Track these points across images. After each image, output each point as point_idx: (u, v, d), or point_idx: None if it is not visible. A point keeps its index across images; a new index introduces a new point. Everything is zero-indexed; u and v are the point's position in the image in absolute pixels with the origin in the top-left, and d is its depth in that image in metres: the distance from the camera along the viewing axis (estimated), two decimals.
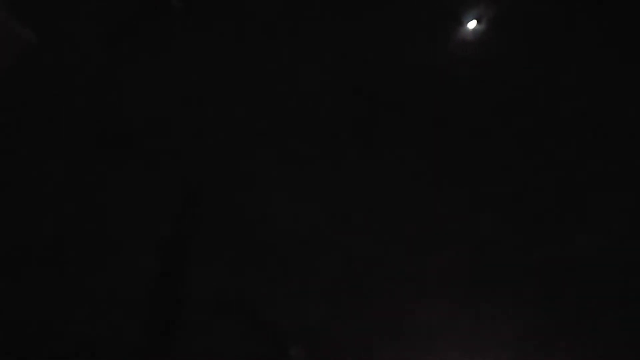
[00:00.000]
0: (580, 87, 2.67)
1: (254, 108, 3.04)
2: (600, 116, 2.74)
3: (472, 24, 2.53)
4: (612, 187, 3.01)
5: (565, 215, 3.22)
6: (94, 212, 3.40)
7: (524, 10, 2.45)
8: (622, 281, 3.46)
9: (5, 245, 3.62)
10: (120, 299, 4.52)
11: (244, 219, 3.87)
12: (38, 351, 5.01)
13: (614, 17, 2.47)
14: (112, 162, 3.05)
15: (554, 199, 3.19)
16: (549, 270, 3.45)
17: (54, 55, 2.47)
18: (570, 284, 3.51)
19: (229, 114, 3.02)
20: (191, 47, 2.69)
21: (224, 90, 2.96)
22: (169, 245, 3.63)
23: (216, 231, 3.93)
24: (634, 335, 3.62)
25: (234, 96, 2.99)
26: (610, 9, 2.43)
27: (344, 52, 2.67)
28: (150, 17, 2.45)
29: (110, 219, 3.47)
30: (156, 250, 3.77)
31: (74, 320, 4.14)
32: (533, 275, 3.59)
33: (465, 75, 2.71)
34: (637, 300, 3.47)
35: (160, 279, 3.64)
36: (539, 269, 3.50)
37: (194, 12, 2.55)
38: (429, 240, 3.49)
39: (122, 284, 4.35)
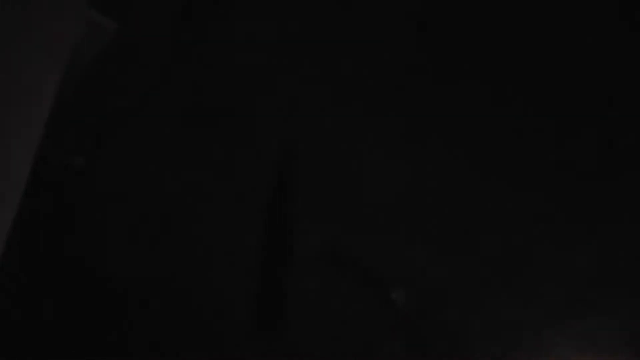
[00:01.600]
0: None
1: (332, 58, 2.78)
2: None
3: None
4: None
5: None
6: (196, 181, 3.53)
7: None
8: None
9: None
10: (231, 268, 4.68)
11: (340, 176, 3.75)
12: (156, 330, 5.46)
13: None
14: (207, 127, 3.08)
15: None
16: None
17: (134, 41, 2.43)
18: None
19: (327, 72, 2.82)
20: None
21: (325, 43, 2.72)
22: (272, 208, 3.50)
23: (315, 190, 3.84)
24: None
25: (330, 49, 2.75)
26: None
27: None
28: None
29: (210, 184, 3.57)
30: (260, 213, 3.72)
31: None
32: None
33: None
34: None
35: (266, 243, 3.55)
36: None
37: None
38: (528, 175, 3.21)
39: (229, 252, 4.49)
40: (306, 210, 4.36)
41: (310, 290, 5.33)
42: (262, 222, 4.21)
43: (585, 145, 2.96)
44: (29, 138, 1.32)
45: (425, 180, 3.90)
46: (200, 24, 2.26)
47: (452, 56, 2.36)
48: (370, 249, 4.95)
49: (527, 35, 2.22)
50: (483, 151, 3.60)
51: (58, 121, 3.02)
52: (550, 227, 4.68)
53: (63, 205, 3.94)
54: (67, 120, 3.11)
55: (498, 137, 3.41)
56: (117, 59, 2.26)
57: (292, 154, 3.72)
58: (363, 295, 5.29)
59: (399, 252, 4.89)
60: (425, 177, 3.84)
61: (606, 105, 2.46)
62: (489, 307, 5.89)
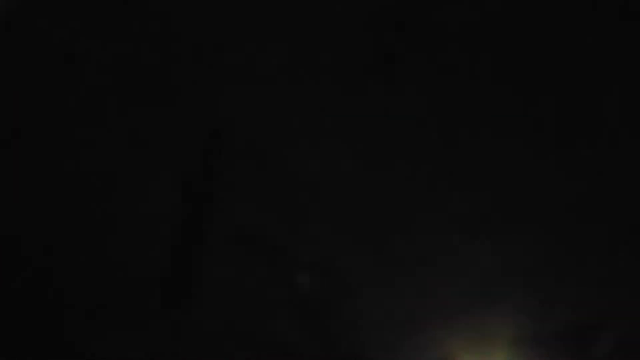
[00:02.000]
0: None
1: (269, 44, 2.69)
2: None
3: None
4: None
5: None
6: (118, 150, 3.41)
7: None
8: None
9: None
10: (144, 238, 4.64)
11: (267, 157, 3.72)
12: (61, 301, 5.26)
13: None
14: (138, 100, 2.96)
15: None
16: None
17: None
18: None
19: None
20: None
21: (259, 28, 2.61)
22: (194, 182, 3.46)
23: (240, 169, 3.82)
24: None
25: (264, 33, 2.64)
26: None
27: None
28: None
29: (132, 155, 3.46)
30: (182, 187, 3.67)
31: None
32: None
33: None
34: None
35: (184, 218, 3.50)
36: None
37: None
38: (457, 178, 3.11)
39: (146, 224, 4.43)
40: (226, 189, 4.31)
41: (222, 272, 5.35)
42: (179, 198, 4.12)
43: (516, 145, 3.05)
44: None
45: (352, 169, 3.97)
46: None
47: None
48: (285, 233, 5.01)
49: None
50: (414, 148, 3.67)
51: None
52: (467, 227, 4.90)
53: None
54: None
55: (429, 138, 3.47)
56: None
57: (218, 131, 3.64)
58: (272, 278, 5.37)
59: (313, 238, 4.98)
60: (354, 165, 3.91)
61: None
62: (394, 302, 6.11)
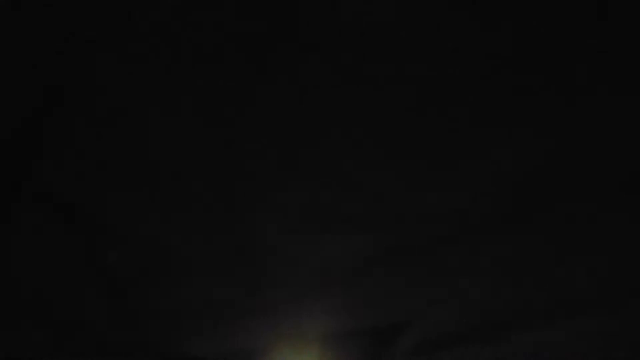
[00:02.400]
0: None
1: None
2: None
3: None
4: None
5: None
6: None
7: None
8: None
9: None
10: None
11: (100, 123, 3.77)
12: None
13: None
14: None
15: None
16: None
17: None
18: None
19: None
20: None
21: None
22: (17, 138, 3.31)
23: (67, 130, 3.79)
24: None
25: None
26: None
27: None
28: None
29: None
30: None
31: None
32: None
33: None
34: None
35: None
36: None
37: None
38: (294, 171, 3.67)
39: None
40: (46, 149, 3.96)
41: (28, 241, 4.89)
42: None
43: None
44: None
45: (203, 139, 3.89)
46: None
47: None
48: (104, 205, 4.75)
49: None
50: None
51: None
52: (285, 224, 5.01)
53: None
54: None
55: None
56: None
57: (56, 93, 3.34)
58: (80, 251, 5.06)
59: (133, 212, 4.80)
60: (205, 135, 3.83)
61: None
62: (215, 289, 6.09)
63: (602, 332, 6.59)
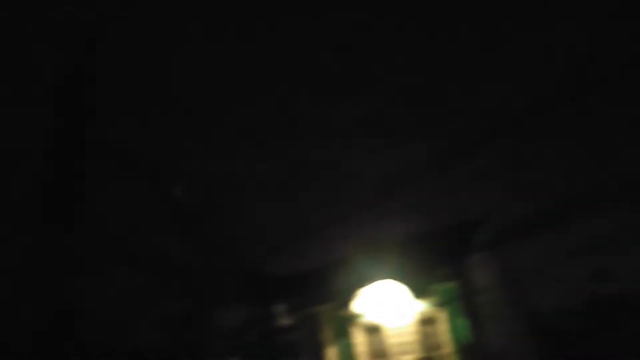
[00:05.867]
0: None
1: None
2: None
3: None
4: None
5: None
6: None
7: None
8: None
9: None
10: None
11: (143, 73, 3.83)
12: None
13: None
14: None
15: None
16: None
17: None
18: None
19: None
20: None
21: None
22: (66, 93, 3.44)
23: (116, 84, 3.88)
24: None
25: None
26: None
27: None
28: None
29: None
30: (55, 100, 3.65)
31: None
32: None
33: None
34: None
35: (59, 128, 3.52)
36: None
37: None
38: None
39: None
40: (101, 104, 4.15)
41: (102, 186, 5.24)
42: (55, 115, 3.90)
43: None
44: None
45: (225, 79, 3.97)
46: None
47: None
48: (157, 145, 5.00)
49: None
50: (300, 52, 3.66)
51: None
52: (352, 138, 5.03)
53: None
54: None
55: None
56: None
57: (91, 42, 3.42)
58: (147, 189, 5.40)
59: (185, 150, 5.02)
60: (227, 75, 3.90)
61: None
62: (268, 207, 6.33)
63: None
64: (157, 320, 8.16)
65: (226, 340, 7.85)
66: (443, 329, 8.69)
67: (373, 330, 9.17)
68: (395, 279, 8.45)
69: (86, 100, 3.89)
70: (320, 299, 8.63)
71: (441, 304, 8.51)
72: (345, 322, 9.14)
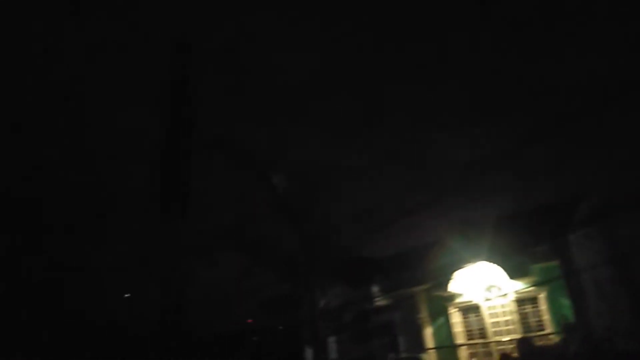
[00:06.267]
0: None
1: None
2: None
3: None
4: None
5: None
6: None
7: None
8: None
9: None
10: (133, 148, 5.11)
11: (239, 66, 4.05)
12: None
13: None
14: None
15: None
16: None
17: None
18: None
19: None
20: None
21: None
22: (171, 92, 3.74)
23: (212, 78, 4.13)
24: None
25: None
26: None
27: None
28: None
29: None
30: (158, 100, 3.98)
31: None
32: None
33: None
34: None
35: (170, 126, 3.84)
36: None
37: None
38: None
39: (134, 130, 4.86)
40: (202, 101, 4.53)
41: (206, 177, 5.67)
42: (163, 114, 4.35)
43: None
44: None
45: (324, 69, 4.17)
46: None
47: None
48: (258, 137, 5.32)
49: None
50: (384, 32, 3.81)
51: None
52: (444, 121, 5.10)
53: None
54: None
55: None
56: None
57: (187, 48, 3.78)
58: (249, 179, 5.77)
59: (284, 141, 5.29)
60: (326, 65, 4.10)
61: None
62: (363, 192, 6.49)
63: None
64: (263, 303, 8.71)
65: (325, 321, 8.21)
66: (543, 309, 8.50)
67: (470, 311, 9.16)
68: (492, 259, 8.37)
69: (193, 101, 4.28)
70: (416, 280, 8.75)
71: (541, 283, 8.32)
72: (441, 303, 9.21)
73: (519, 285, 8.68)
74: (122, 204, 6.30)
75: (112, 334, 12.01)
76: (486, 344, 8.84)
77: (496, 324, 8.92)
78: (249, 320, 12.34)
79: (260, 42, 3.86)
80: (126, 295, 10.33)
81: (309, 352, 9.62)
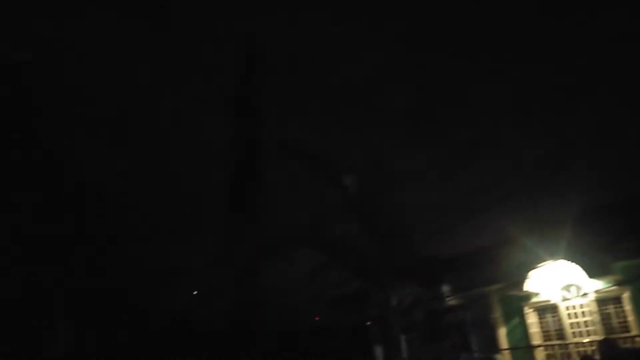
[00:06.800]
0: None
1: None
2: None
3: None
4: None
5: None
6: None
7: None
8: None
9: None
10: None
11: (304, 70, 4.12)
12: None
13: None
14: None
15: None
16: None
17: None
18: None
19: None
20: None
21: None
22: (238, 102, 3.85)
23: (280, 84, 4.23)
24: None
25: None
26: None
27: None
28: None
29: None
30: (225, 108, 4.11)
31: None
32: None
33: None
34: None
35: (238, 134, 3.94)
36: None
37: None
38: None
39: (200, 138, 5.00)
40: (271, 105, 4.66)
41: (275, 178, 5.83)
42: (232, 116, 4.52)
43: None
44: None
45: (387, 71, 4.20)
46: None
47: None
48: (327, 139, 5.41)
49: None
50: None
51: None
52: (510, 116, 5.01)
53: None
54: None
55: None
56: None
57: (257, 49, 3.90)
58: (320, 181, 5.87)
59: (352, 142, 5.35)
60: (387, 67, 4.13)
61: None
62: (431, 192, 6.46)
63: None
64: (336, 300, 8.80)
65: (397, 319, 8.21)
66: (627, 309, 8.12)
67: (547, 311, 8.89)
68: (570, 257, 8.09)
69: (261, 105, 4.42)
70: (489, 279, 8.59)
71: (624, 282, 7.95)
72: (516, 303, 8.99)
73: (600, 285, 8.34)
74: (198, 204, 6.57)
75: (185, 330, 12.52)
76: (564, 345, 8.55)
77: (575, 324, 8.60)
78: (317, 318, 12.51)
79: (325, 44, 3.94)
80: (195, 293, 10.75)
81: (379, 351, 9.66)
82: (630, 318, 8.15)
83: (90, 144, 5.64)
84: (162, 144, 5.75)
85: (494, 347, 8.95)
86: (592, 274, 8.31)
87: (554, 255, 8.14)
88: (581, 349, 8.41)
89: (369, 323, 8.97)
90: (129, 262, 9.52)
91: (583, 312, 8.59)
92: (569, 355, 8.50)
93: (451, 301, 9.29)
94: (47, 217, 6.08)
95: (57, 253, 6.79)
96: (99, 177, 6.20)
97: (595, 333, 8.40)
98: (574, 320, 8.64)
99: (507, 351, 8.99)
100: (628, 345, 7.85)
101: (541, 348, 8.75)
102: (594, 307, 8.49)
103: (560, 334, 8.74)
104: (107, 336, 10.96)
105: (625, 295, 8.22)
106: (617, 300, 8.36)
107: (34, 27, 3.48)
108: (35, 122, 4.27)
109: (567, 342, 8.55)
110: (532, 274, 8.64)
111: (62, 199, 6.18)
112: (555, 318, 8.82)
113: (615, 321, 8.37)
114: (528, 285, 8.78)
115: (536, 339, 8.92)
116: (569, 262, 8.27)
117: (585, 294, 8.43)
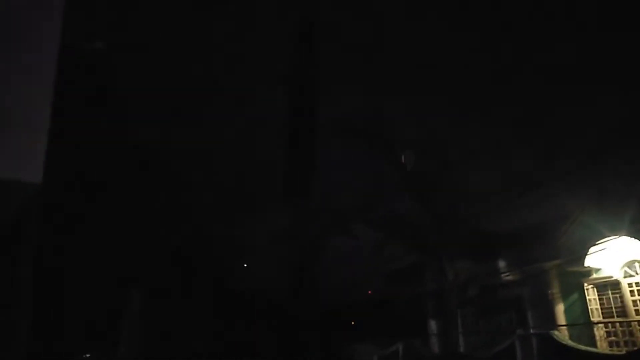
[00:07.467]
0: None
1: None
2: None
3: None
4: None
5: None
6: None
7: None
8: None
9: None
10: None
11: (360, 43, 4.14)
12: None
13: None
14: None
15: None
16: None
17: None
18: None
19: None
20: None
21: None
22: (295, 79, 3.91)
23: (336, 59, 4.26)
24: None
25: None
26: None
27: None
28: None
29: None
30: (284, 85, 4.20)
31: None
32: None
33: None
34: None
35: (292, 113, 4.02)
36: None
37: None
38: None
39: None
40: (326, 80, 4.74)
41: (331, 157, 5.97)
42: (286, 94, 4.65)
43: None
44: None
45: (446, 47, 4.20)
46: None
47: None
48: (386, 115, 5.48)
49: None
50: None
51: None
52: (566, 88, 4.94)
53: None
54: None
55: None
56: None
57: (311, 23, 3.98)
58: (377, 157, 5.97)
59: (412, 118, 5.40)
60: (446, 44, 4.13)
61: None
62: (491, 168, 6.47)
63: None
64: (392, 274, 8.95)
65: (454, 294, 8.27)
66: None
67: (608, 287, 8.70)
68: (634, 233, 7.86)
69: (314, 85, 4.50)
70: (548, 255, 8.48)
71: None
72: (576, 279, 8.84)
73: None
74: (265, 186, 6.81)
75: (251, 299, 13.18)
76: (626, 323, 8.37)
77: (638, 302, 8.40)
78: (370, 292, 12.72)
79: (384, 19, 4.01)
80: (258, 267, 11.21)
81: (434, 324, 9.76)
82: None
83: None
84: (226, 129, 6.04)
85: (552, 324, 8.86)
86: None
87: (617, 231, 7.93)
88: None
89: (425, 297, 9.06)
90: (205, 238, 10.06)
91: None
92: (631, 333, 8.32)
93: (508, 277, 9.24)
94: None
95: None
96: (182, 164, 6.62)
97: None
98: (637, 297, 8.42)
99: (564, 327, 8.89)
100: None
101: (601, 325, 8.60)
102: None
103: (622, 311, 8.56)
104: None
105: None
106: None
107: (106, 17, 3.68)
108: (123, 109, 4.54)
109: (630, 319, 8.37)
110: (593, 249, 8.45)
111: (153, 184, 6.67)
112: (617, 295, 8.62)
113: None
114: (589, 261, 8.60)
115: (595, 315, 8.77)
116: (634, 238, 8.03)
117: None
